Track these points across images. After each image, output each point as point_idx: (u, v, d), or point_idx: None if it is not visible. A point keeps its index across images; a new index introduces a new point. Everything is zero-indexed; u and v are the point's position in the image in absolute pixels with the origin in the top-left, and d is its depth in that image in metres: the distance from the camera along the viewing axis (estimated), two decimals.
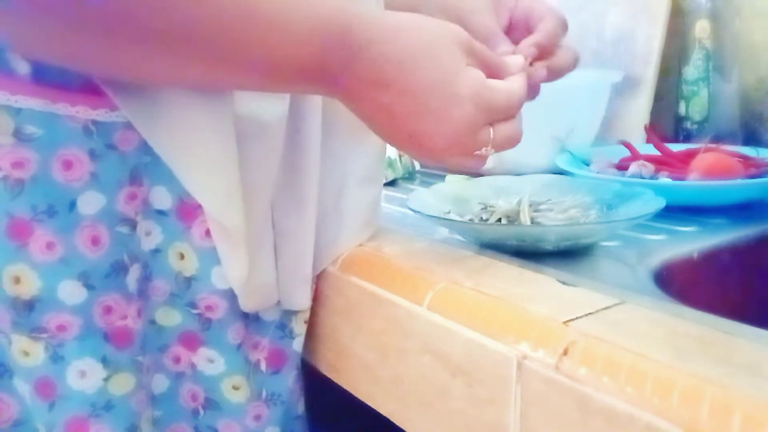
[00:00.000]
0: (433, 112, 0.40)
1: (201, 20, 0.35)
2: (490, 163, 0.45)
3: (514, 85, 0.43)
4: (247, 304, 0.46)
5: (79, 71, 0.39)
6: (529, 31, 0.53)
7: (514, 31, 0.54)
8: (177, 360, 0.46)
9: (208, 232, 0.44)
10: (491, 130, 0.42)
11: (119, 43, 0.35)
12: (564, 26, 0.53)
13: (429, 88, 0.40)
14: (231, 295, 0.45)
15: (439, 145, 0.41)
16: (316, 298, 0.51)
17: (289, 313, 0.50)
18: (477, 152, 0.42)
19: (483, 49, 0.43)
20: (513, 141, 0.44)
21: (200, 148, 0.41)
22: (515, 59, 0.46)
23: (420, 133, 0.41)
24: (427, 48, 0.40)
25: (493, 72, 0.43)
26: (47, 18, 0.33)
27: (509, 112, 0.43)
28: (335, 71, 0.39)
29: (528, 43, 0.51)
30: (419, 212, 0.50)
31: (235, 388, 0.47)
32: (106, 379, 0.42)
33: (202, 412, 0.48)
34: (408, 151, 0.45)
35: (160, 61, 0.36)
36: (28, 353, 0.41)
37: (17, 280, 0.40)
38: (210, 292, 0.45)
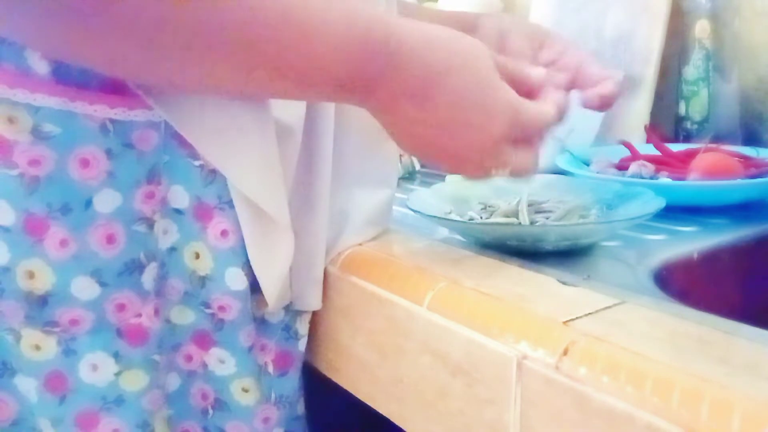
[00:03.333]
0: (469, 126, 0.41)
1: (235, 25, 0.35)
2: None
3: (547, 108, 0.44)
4: (276, 304, 0.47)
5: (113, 76, 0.39)
6: (570, 81, 0.52)
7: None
8: (189, 359, 0.47)
9: (224, 233, 0.44)
10: (513, 153, 0.42)
11: (153, 49, 0.35)
12: (617, 95, 0.52)
13: (467, 102, 0.40)
14: (244, 297, 0.45)
15: (467, 158, 0.42)
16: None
17: (294, 315, 0.50)
18: (494, 171, 0.43)
19: (506, 61, 0.43)
20: (528, 170, 0.44)
21: (244, 144, 0.42)
22: (537, 71, 0.46)
23: (452, 147, 0.41)
24: (464, 58, 0.40)
25: (518, 86, 0.43)
26: (84, 23, 0.33)
27: (535, 135, 0.44)
28: (370, 82, 0.39)
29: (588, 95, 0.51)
30: (419, 212, 0.50)
31: (245, 390, 0.47)
32: (117, 374, 0.42)
33: (211, 411, 0.48)
34: (433, 163, 0.45)
35: (194, 68, 0.37)
36: (40, 347, 0.41)
37: (31, 275, 0.40)
38: (223, 293, 0.45)
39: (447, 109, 0.40)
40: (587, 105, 0.51)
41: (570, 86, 0.51)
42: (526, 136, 0.43)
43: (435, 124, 0.40)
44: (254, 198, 0.43)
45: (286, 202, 0.45)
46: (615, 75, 0.52)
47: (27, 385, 0.42)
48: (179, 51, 0.35)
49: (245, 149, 0.42)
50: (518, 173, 0.44)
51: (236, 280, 0.44)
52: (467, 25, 0.57)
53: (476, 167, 0.43)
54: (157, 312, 0.44)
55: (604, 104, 0.51)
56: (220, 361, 0.46)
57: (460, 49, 0.41)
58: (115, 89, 0.40)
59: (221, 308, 0.45)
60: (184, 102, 0.41)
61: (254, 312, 0.47)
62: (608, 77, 0.52)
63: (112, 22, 0.33)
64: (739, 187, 0.61)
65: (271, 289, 0.46)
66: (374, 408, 0.47)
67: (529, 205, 0.53)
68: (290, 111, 0.45)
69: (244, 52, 0.36)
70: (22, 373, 0.42)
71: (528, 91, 0.44)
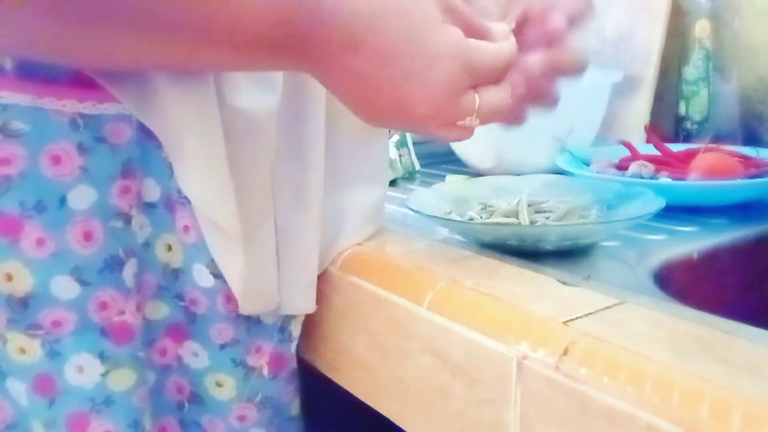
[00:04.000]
0: (411, 75, 0.37)
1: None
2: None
3: (501, 45, 0.40)
4: (246, 307, 0.46)
5: (35, 60, 0.38)
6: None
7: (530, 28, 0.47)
8: (163, 353, 0.46)
9: (186, 228, 0.44)
10: (476, 96, 0.39)
11: (73, 27, 0.33)
12: (581, 12, 0.46)
13: (403, 47, 0.36)
14: (211, 294, 0.45)
15: (420, 112, 0.38)
16: (316, 298, 0.51)
17: (289, 317, 0.50)
18: (461, 123, 0.39)
19: (463, 7, 0.40)
20: (499, 111, 0.40)
21: (189, 141, 0.41)
22: (499, 26, 0.42)
23: (399, 99, 0.38)
24: (397, 1, 0.37)
25: (474, 35, 0.39)
26: None
27: (495, 75, 0.40)
28: (301, 39, 0.36)
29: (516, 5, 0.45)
30: (419, 212, 0.50)
31: (219, 384, 0.47)
32: (104, 375, 0.42)
33: (187, 405, 0.48)
34: (389, 124, 0.42)
35: (113, 44, 0.35)
36: (25, 351, 0.41)
37: (9, 278, 0.40)
38: (193, 287, 0.45)
39: (384, 60, 0.36)
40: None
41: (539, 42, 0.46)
42: (487, 77, 0.39)
43: (376, 77, 0.37)
44: (197, 202, 0.42)
45: (235, 209, 0.43)
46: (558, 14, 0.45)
47: (18, 388, 0.42)
48: (91, 28, 0.33)
49: (189, 146, 0.41)
50: (489, 118, 0.40)
51: (202, 276, 0.44)
52: None
53: (436, 122, 0.39)
54: (138, 308, 0.44)
55: (549, 40, 0.45)
56: (194, 354, 0.46)
57: None
58: (83, 83, 0.39)
59: (192, 302, 0.45)
60: (147, 92, 0.40)
61: (225, 310, 0.46)
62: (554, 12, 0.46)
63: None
64: (739, 187, 0.61)
65: (238, 289, 0.45)
66: (374, 408, 0.47)
67: (529, 205, 0.53)
68: (257, 101, 0.43)
69: (167, 21, 0.34)
70: (12, 376, 0.41)
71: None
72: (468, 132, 0.41)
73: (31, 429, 0.42)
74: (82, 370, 0.41)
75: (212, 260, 0.44)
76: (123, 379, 0.43)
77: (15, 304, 0.40)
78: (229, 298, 0.45)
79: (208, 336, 0.46)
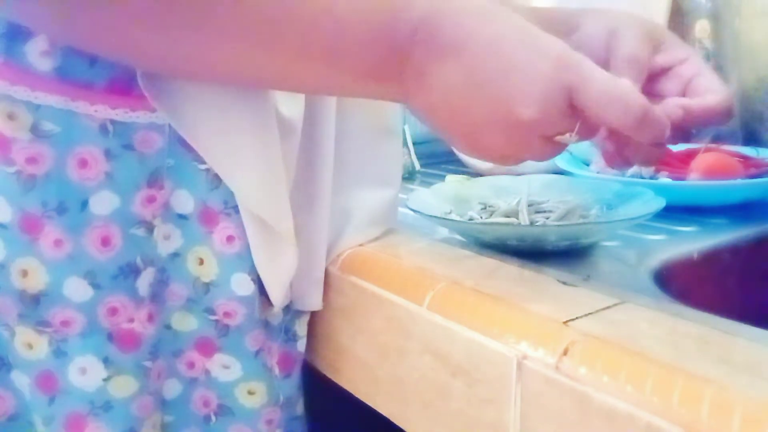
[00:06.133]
0: (519, 67, 0.36)
1: (259, 7, 0.35)
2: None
3: (620, 80, 0.36)
4: (280, 301, 0.46)
5: (135, 66, 0.39)
6: (680, 93, 0.46)
7: (664, 82, 0.47)
8: (191, 365, 0.46)
9: (229, 239, 0.44)
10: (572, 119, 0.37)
11: (165, 31, 0.35)
12: (728, 114, 0.44)
13: (512, 37, 0.36)
14: (250, 302, 0.45)
15: (523, 114, 0.36)
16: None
17: (293, 316, 0.50)
18: (559, 138, 0.38)
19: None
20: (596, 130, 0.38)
21: (247, 155, 0.42)
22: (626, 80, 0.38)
23: (505, 100, 0.36)
24: (500, 11, 0.37)
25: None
26: (96, 7, 0.33)
27: (600, 104, 0.36)
28: (401, 58, 0.37)
29: (677, 103, 0.42)
30: (419, 212, 0.50)
31: (251, 393, 0.47)
32: (106, 379, 0.42)
33: (213, 418, 0.47)
34: (487, 140, 0.38)
35: (211, 50, 0.36)
36: (32, 346, 0.41)
37: (25, 274, 0.40)
38: (228, 299, 0.44)
39: (491, 52, 0.36)
40: (677, 117, 0.43)
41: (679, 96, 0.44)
42: (591, 101, 0.36)
43: (481, 74, 0.36)
44: (254, 208, 0.43)
45: (289, 210, 0.45)
46: (723, 90, 0.43)
47: (22, 381, 0.42)
48: (192, 31, 0.35)
49: (247, 156, 0.42)
50: (588, 135, 0.38)
51: (243, 285, 0.44)
52: (568, 25, 0.51)
53: (539, 129, 0.37)
54: (151, 318, 0.43)
55: (697, 119, 0.43)
56: (224, 367, 0.46)
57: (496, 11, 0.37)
58: (118, 90, 0.40)
59: (227, 314, 0.45)
60: (188, 105, 0.41)
61: (260, 315, 0.46)
62: (714, 90, 0.44)
63: (120, 3, 0.33)
64: (739, 187, 0.61)
65: (277, 292, 0.45)
66: (374, 408, 0.47)
67: (529, 205, 0.53)
68: (290, 105, 0.44)
69: (268, 30, 0.35)
70: (17, 369, 0.42)
71: None
72: (560, 149, 0.39)
73: (32, 422, 0.42)
74: (86, 372, 0.42)
75: (253, 267, 0.44)
76: (124, 386, 0.43)
77: (27, 300, 0.40)
78: (264, 303, 0.46)
79: (242, 346, 0.46)
